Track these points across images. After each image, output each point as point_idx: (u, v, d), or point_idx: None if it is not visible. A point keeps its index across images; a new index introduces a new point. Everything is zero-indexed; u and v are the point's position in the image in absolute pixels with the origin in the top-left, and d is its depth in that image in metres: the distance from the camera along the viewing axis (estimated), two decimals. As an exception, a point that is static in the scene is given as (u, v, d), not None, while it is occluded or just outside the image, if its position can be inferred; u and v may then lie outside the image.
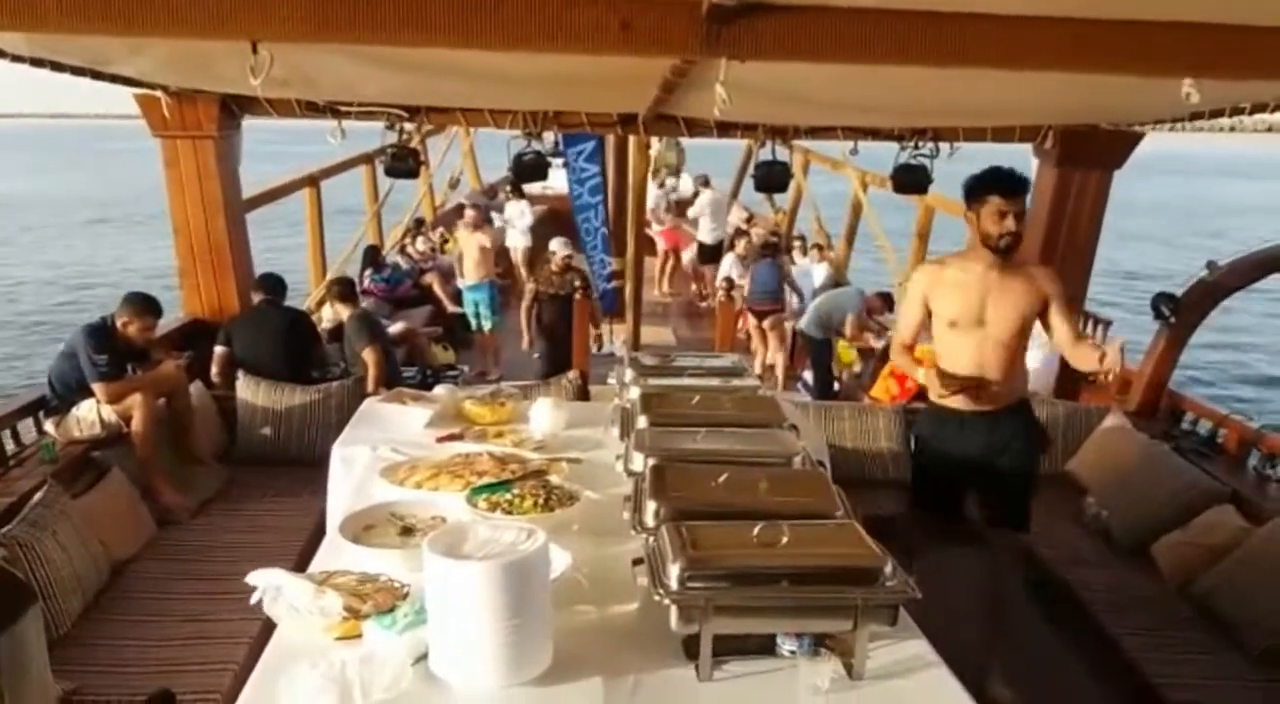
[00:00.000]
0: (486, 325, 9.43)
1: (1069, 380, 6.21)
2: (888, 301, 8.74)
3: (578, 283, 7.95)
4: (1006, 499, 3.97)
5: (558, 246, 8.16)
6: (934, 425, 3.97)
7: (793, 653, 1.96)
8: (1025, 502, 3.99)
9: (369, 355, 6.01)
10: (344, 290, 6.65)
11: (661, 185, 14.44)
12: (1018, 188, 3.57)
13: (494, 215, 15.05)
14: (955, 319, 3.69)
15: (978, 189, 3.62)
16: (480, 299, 9.42)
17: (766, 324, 9.09)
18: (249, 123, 6.16)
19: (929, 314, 3.80)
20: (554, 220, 14.00)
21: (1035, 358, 6.17)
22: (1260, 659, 3.55)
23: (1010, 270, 3.68)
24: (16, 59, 3.88)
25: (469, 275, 9.59)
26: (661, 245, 13.24)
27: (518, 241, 12.63)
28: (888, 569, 1.92)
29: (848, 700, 1.87)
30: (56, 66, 4.22)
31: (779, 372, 8.99)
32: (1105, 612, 3.89)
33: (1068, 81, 3.23)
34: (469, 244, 9.58)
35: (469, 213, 10.05)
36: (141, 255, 21.59)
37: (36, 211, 32.20)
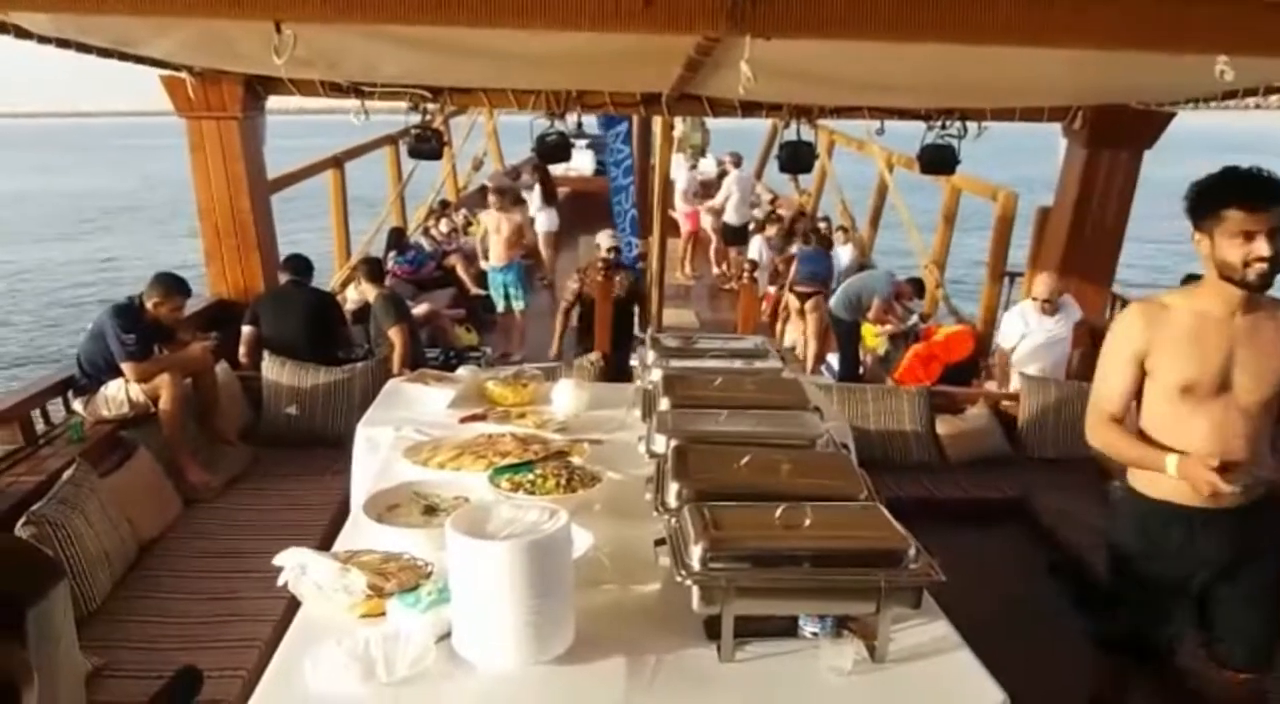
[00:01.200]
0: (518, 305, 9.32)
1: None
2: (918, 287, 8.67)
3: (626, 284, 7.00)
4: (1246, 626, 2.78)
5: (604, 240, 7.11)
6: (1148, 528, 2.76)
7: (815, 635, 1.96)
8: (1274, 629, 2.81)
9: (395, 334, 6.03)
10: (372, 270, 6.68)
11: (694, 166, 14.26)
12: (1269, 194, 2.47)
13: (524, 194, 15.07)
14: (1191, 383, 2.60)
15: (1208, 200, 2.54)
16: (509, 280, 9.33)
17: (808, 306, 9.06)
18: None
19: (1143, 375, 2.69)
20: (576, 202, 14.00)
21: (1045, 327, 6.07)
22: None
23: (1262, 311, 2.63)
24: (43, 40, 3.90)
25: (496, 257, 9.45)
26: (686, 227, 13.18)
27: (540, 223, 12.61)
28: (911, 552, 1.91)
29: (870, 683, 1.86)
30: (83, 47, 4.25)
31: (810, 353, 8.95)
32: None
33: (1099, 60, 3.18)
34: (498, 224, 9.43)
35: (493, 196, 9.93)
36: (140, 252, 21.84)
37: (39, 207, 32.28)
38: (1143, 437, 2.72)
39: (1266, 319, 2.64)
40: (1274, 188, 2.48)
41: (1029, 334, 6.12)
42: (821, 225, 11.75)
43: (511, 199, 10.12)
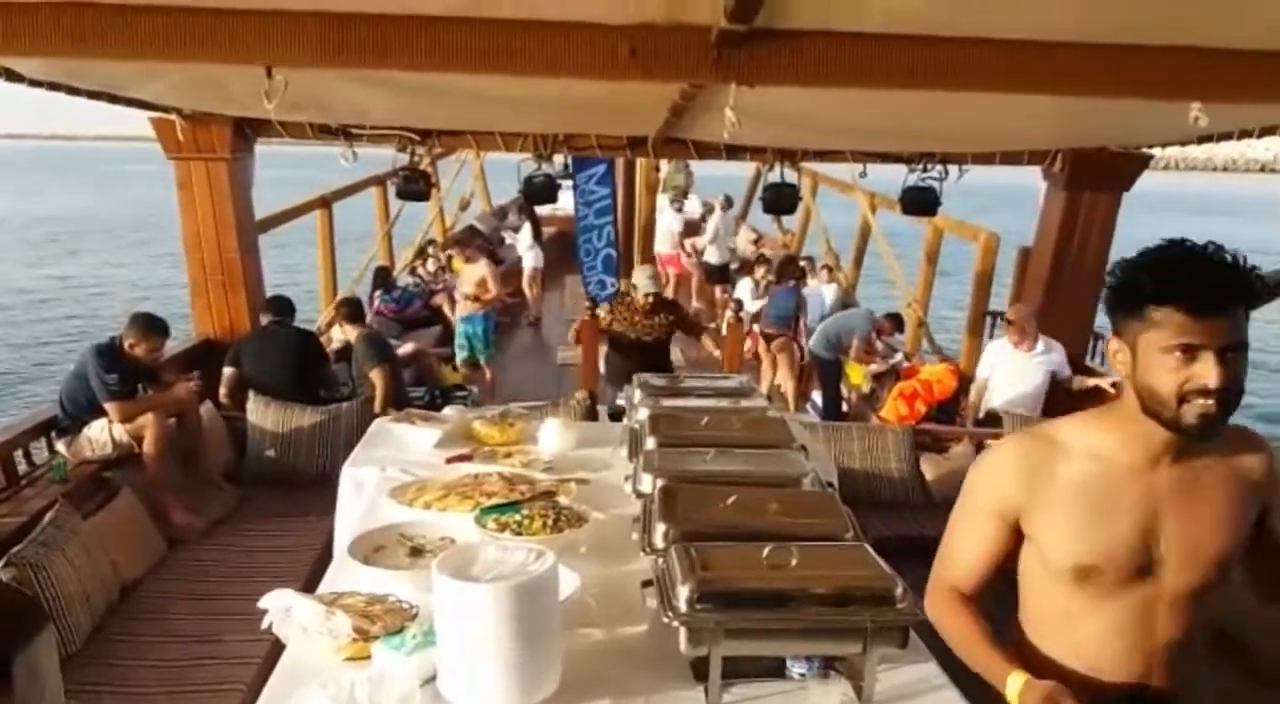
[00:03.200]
0: (481, 359, 8.86)
1: (1064, 398, 6.15)
2: (897, 322, 8.75)
3: (668, 320, 6.40)
4: None
5: (642, 281, 6.34)
6: None
7: (802, 675, 1.96)
8: None
9: (377, 376, 6.02)
10: (351, 311, 6.68)
11: (680, 210, 14.28)
12: (1225, 289, 1.64)
13: (506, 235, 15.11)
14: (1089, 566, 1.79)
15: (1132, 290, 1.70)
16: (474, 332, 8.83)
17: (774, 347, 9.11)
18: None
19: (1014, 544, 1.90)
20: (562, 241, 14.06)
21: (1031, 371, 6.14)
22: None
23: (1205, 456, 1.80)
24: (34, 84, 3.94)
25: (461, 307, 9.06)
26: (671, 271, 13.23)
27: (527, 261, 12.66)
28: (898, 591, 1.92)
29: (857, 724, 1.86)
30: (73, 91, 4.28)
31: (789, 393, 8.98)
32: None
33: (1076, 105, 3.25)
34: (466, 274, 9.13)
35: (454, 248, 9.69)
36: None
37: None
38: (1017, 631, 1.95)
39: (1210, 467, 1.80)
40: (1233, 278, 1.63)
41: (999, 366, 6.21)
42: (803, 263, 11.84)
43: (478, 248, 9.90)
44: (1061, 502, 1.80)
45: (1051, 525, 1.81)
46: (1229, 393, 1.63)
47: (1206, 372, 1.62)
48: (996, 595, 1.98)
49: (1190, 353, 1.63)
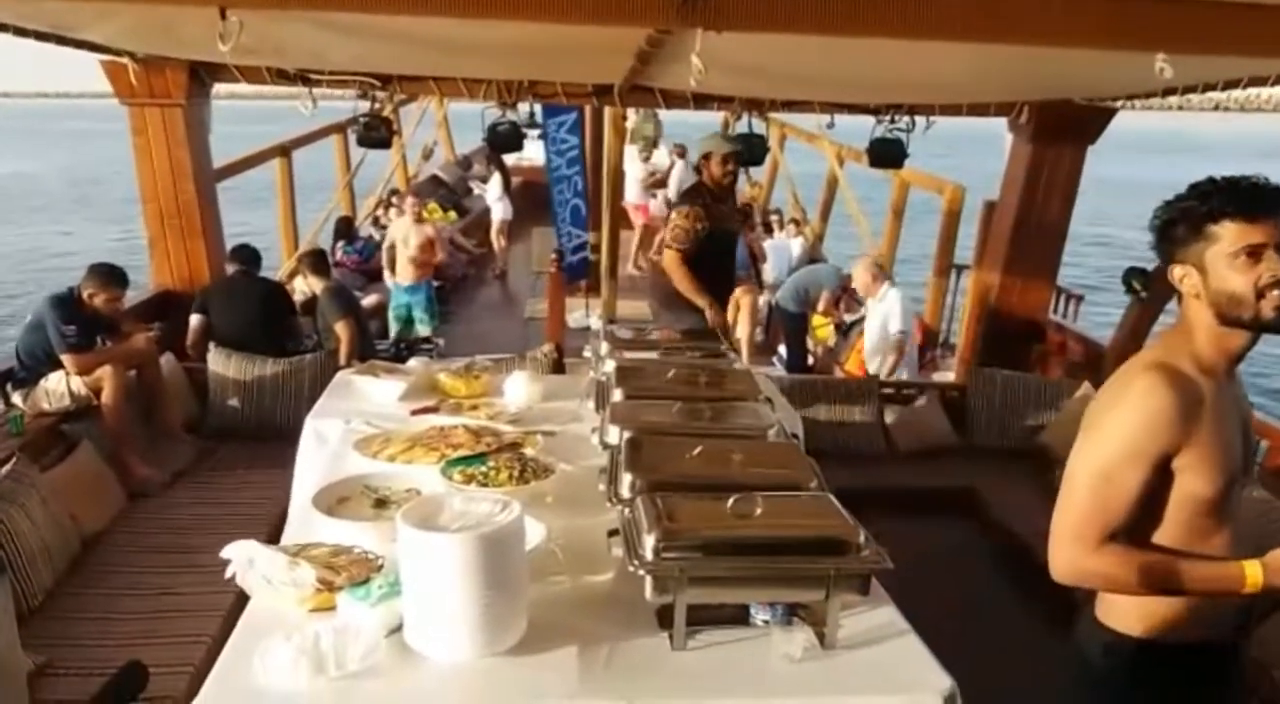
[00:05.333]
0: (425, 331, 8.11)
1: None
2: None
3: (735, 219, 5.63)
4: None
5: (716, 142, 5.33)
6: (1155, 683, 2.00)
7: (766, 622, 1.98)
8: None
9: (342, 328, 5.97)
10: (317, 263, 6.59)
11: (647, 158, 14.18)
12: (1270, 196, 1.85)
13: (473, 185, 14.93)
14: (1229, 479, 1.91)
15: (1189, 219, 1.88)
16: (416, 302, 8.07)
17: (739, 292, 9.09)
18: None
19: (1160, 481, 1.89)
20: (529, 192, 13.93)
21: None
22: None
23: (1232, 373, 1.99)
24: (-21, 23, 3.81)
25: (401, 274, 8.11)
26: (638, 220, 13.19)
27: (496, 212, 12.53)
28: (860, 539, 1.94)
29: (820, 669, 1.89)
30: (20, 31, 4.14)
31: (745, 344, 9.00)
32: None
33: (1042, 56, 3.24)
34: (405, 235, 8.09)
35: (410, 200, 8.66)
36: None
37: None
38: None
39: (1235, 383, 2.02)
40: (1271, 187, 1.87)
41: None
42: (773, 218, 11.82)
43: (438, 200, 9.40)
44: (1208, 430, 1.88)
45: (1203, 455, 1.87)
46: None
47: (1275, 265, 1.81)
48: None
49: (1255, 254, 1.82)
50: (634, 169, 13.04)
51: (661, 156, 16.11)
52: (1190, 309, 1.93)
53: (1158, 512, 1.91)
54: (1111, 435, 1.88)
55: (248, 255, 6.00)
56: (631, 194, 12.85)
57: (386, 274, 8.44)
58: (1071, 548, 1.90)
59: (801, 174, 13.27)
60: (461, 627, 1.83)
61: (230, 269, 5.99)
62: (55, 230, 23.95)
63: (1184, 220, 1.88)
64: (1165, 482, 1.89)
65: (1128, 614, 1.99)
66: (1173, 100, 4.55)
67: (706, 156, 5.26)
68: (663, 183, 13.72)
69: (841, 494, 2.17)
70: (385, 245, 8.59)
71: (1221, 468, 1.88)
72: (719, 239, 5.26)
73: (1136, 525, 1.89)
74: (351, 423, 3.40)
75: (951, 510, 5.04)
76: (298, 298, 6.98)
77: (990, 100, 6.00)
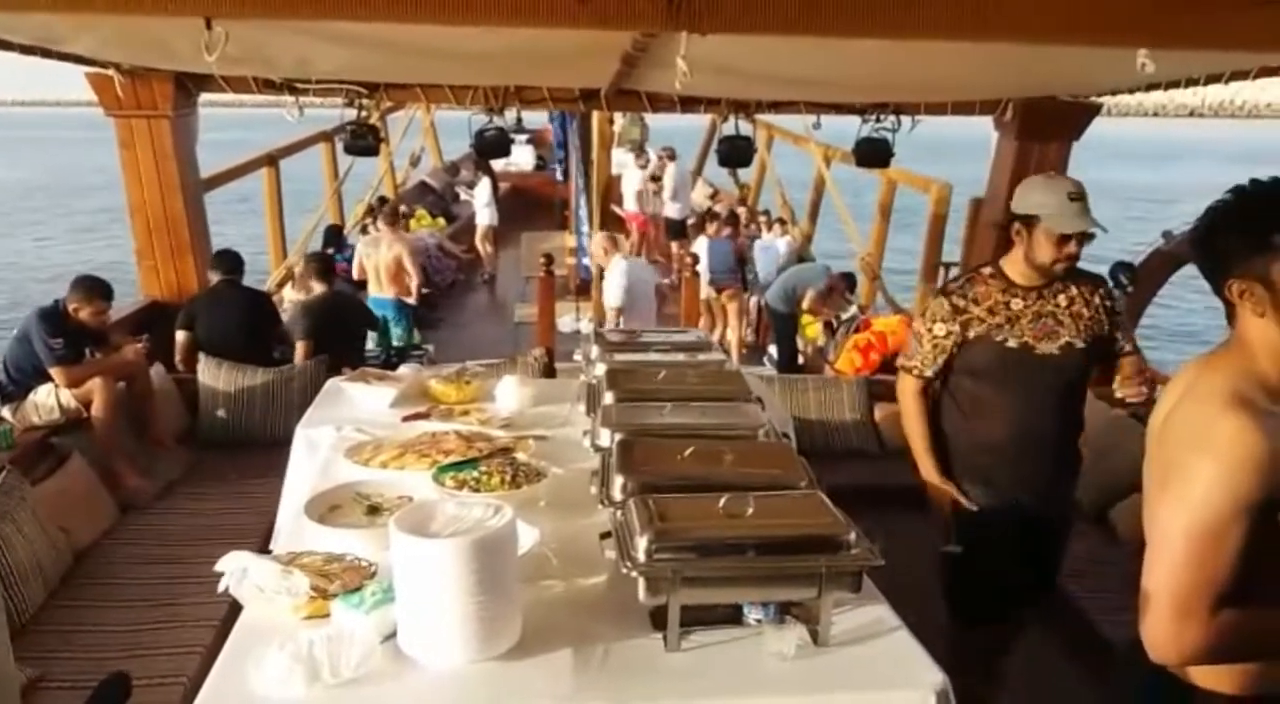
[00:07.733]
0: (398, 345, 7.91)
1: None
2: (851, 283, 8.81)
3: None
4: None
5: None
6: None
7: (759, 621, 1.99)
8: None
9: (300, 348, 5.89)
10: (322, 267, 6.53)
11: (645, 165, 13.98)
12: None
13: (461, 191, 14.91)
14: None
15: (1251, 228, 1.65)
16: (391, 317, 7.93)
17: (725, 297, 9.12)
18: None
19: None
20: (516, 198, 13.94)
21: None
22: None
23: None
24: (-38, 37, 3.79)
25: (373, 285, 8.02)
26: (634, 228, 13.11)
27: (482, 218, 12.52)
28: (851, 537, 1.95)
29: (813, 667, 1.89)
30: (4, 44, 4.12)
31: (734, 345, 9.02)
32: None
33: (1025, 53, 3.26)
34: (382, 253, 7.99)
35: (383, 217, 8.62)
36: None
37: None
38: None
39: None
40: None
41: None
42: (761, 218, 11.83)
43: (428, 207, 9.40)
44: None
45: None
46: None
47: None
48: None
49: None
50: (630, 176, 12.97)
51: (652, 159, 16.11)
52: (1252, 328, 1.67)
53: (1257, 565, 1.62)
54: (1210, 488, 1.59)
55: (231, 262, 5.90)
56: (629, 203, 12.80)
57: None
58: (1180, 626, 1.60)
59: (789, 176, 13.27)
60: (456, 632, 1.83)
61: (214, 277, 5.90)
62: (34, 239, 23.82)
63: (1248, 228, 1.64)
64: (1265, 531, 1.61)
65: (1215, 669, 1.69)
66: (1149, 105, 4.56)
67: (1028, 222, 3.12)
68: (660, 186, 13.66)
69: (833, 492, 2.18)
70: (355, 263, 8.60)
71: None
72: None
73: (1237, 586, 1.61)
74: (343, 430, 3.40)
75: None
76: (286, 306, 6.95)
77: (975, 98, 6.02)
